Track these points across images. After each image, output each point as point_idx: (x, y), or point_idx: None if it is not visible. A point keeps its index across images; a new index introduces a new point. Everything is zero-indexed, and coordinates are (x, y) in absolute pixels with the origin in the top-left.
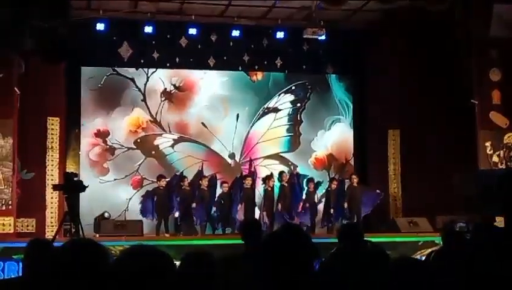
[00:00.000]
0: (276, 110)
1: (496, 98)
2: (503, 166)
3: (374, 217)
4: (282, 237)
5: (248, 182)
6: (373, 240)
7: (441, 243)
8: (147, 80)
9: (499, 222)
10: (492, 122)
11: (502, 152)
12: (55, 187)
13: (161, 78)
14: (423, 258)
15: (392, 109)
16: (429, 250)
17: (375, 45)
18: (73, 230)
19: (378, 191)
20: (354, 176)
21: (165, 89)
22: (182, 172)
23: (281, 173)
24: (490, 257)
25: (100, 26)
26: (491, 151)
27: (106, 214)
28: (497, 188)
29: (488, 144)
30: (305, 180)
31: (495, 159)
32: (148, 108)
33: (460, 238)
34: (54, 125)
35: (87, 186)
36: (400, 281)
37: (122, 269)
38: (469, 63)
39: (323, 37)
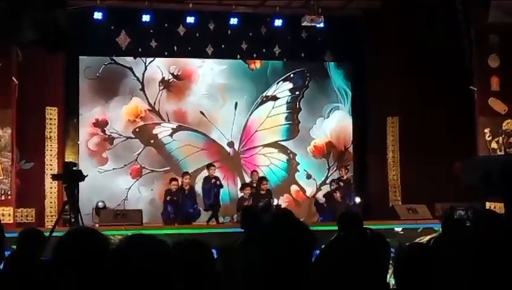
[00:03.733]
0: (274, 98)
1: (495, 85)
2: (502, 152)
3: (374, 205)
4: (281, 225)
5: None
6: (372, 227)
7: (440, 229)
8: (145, 69)
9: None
10: (491, 109)
11: (500, 138)
12: (54, 177)
13: (159, 67)
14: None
15: (391, 96)
16: (428, 237)
17: (374, 32)
18: (72, 220)
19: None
20: (338, 192)
21: (163, 77)
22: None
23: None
24: (493, 243)
25: (98, 15)
26: (490, 137)
27: (100, 204)
28: (499, 176)
29: (487, 130)
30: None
31: (494, 145)
32: (147, 97)
33: (460, 225)
34: (52, 115)
35: (86, 176)
36: (405, 267)
37: (122, 256)
38: (469, 49)
39: (321, 25)
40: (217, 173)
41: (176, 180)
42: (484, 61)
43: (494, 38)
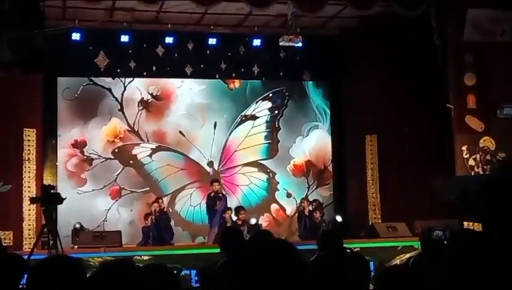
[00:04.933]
0: (254, 117)
1: (471, 102)
2: (480, 169)
3: (353, 223)
4: (265, 247)
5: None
6: (352, 246)
7: (420, 248)
8: (124, 90)
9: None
10: (468, 126)
11: (478, 156)
12: (32, 200)
13: (138, 88)
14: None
15: (369, 114)
16: (408, 255)
17: (352, 51)
18: (51, 242)
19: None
20: (318, 211)
21: (142, 98)
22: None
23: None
24: (472, 263)
25: (76, 36)
26: (467, 155)
27: (77, 225)
28: (476, 196)
29: (464, 148)
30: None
31: (471, 162)
32: (126, 117)
33: (438, 246)
34: (30, 136)
35: (64, 199)
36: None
37: (100, 284)
38: (445, 67)
39: (299, 44)
40: (197, 193)
41: (150, 214)
42: (460, 80)
43: (469, 57)
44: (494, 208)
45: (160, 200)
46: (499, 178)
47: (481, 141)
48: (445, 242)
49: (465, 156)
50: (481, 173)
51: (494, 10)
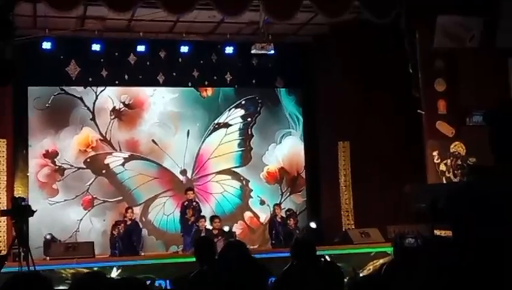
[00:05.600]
0: (226, 125)
1: (442, 108)
2: (451, 174)
3: (327, 229)
4: (235, 256)
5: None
6: (326, 252)
7: (392, 254)
8: (96, 99)
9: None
10: (438, 132)
11: (449, 161)
12: (2, 213)
13: (110, 96)
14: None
15: (342, 120)
16: (381, 261)
17: (324, 58)
18: (22, 254)
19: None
20: (292, 219)
21: (114, 107)
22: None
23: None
24: (442, 269)
25: (47, 45)
26: (439, 160)
27: (48, 236)
28: (446, 205)
29: (435, 153)
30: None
31: (442, 167)
32: (98, 127)
33: (410, 254)
34: (0, 147)
35: (35, 211)
36: None
37: None
38: (416, 73)
39: (271, 52)
40: (170, 201)
41: (119, 224)
42: (431, 86)
43: (439, 63)
44: (464, 216)
45: (130, 210)
46: (470, 185)
47: (452, 146)
48: (417, 250)
49: (436, 161)
50: (452, 177)
51: (463, 16)
